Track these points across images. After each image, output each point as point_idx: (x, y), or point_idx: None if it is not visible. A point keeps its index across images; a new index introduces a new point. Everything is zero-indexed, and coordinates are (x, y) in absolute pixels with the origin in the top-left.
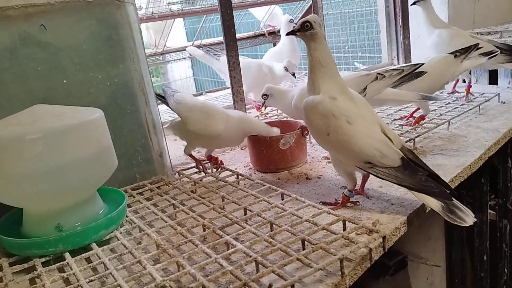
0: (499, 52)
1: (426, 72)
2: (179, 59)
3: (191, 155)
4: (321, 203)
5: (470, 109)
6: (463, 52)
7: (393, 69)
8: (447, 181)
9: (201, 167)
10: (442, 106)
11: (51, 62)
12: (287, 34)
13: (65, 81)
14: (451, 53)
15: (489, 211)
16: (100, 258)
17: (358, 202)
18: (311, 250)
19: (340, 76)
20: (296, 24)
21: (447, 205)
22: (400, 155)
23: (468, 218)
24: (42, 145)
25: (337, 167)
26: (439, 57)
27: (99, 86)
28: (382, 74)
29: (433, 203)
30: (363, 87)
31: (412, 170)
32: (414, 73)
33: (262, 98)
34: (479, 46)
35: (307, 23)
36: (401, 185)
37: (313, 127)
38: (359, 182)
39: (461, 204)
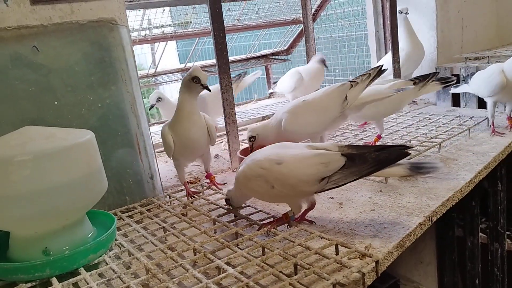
0: (455, 79)
1: (387, 69)
2: (171, 81)
3: (185, 185)
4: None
5: (460, 133)
6: (422, 79)
7: (361, 75)
8: (439, 204)
9: (189, 197)
10: (432, 130)
11: (42, 83)
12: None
13: (56, 103)
14: (412, 79)
15: (480, 234)
16: (88, 284)
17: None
18: (304, 275)
19: None
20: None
21: (412, 165)
22: (339, 152)
23: (437, 163)
24: (31, 167)
25: (288, 202)
26: (400, 83)
27: (91, 108)
28: (355, 81)
29: (400, 172)
30: (344, 96)
31: (359, 156)
32: (379, 72)
33: (250, 141)
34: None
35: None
36: (363, 176)
37: (257, 192)
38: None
39: (421, 160)
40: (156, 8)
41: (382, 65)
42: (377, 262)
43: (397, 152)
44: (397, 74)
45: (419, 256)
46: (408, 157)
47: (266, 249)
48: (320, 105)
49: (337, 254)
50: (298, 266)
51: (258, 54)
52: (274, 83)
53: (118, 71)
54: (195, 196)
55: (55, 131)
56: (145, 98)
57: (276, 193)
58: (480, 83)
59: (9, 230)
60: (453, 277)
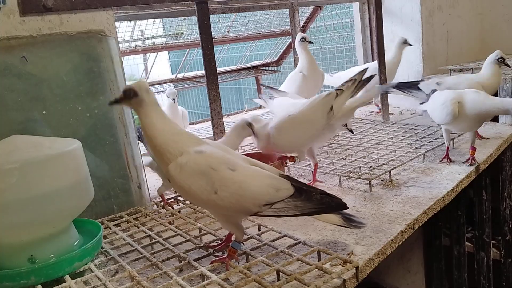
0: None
1: (375, 74)
2: (163, 91)
3: (162, 196)
4: (206, 248)
5: (444, 143)
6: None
7: (347, 81)
8: (420, 213)
9: (169, 207)
10: (417, 140)
11: (31, 93)
12: (109, 104)
13: (44, 112)
14: (336, 89)
15: (467, 243)
16: None
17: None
18: (285, 281)
19: (187, 132)
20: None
21: (345, 216)
22: (289, 182)
23: (363, 220)
24: (17, 175)
25: (223, 221)
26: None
27: (79, 118)
28: (340, 89)
29: (335, 219)
30: (329, 107)
31: (306, 192)
32: (365, 79)
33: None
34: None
35: (131, 91)
36: (304, 214)
37: (193, 193)
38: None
39: (351, 213)
40: (146, 19)
41: (367, 68)
42: (357, 268)
43: (338, 202)
44: (383, 84)
45: (407, 266)
46: (392, 167)
47: (250, 256)
48: (305, 119)
49: (319, 260)
50: (280, 273)
51: (248, 65)
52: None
53: (106, 81)
54: (171, 206)
55: (42, 140)
56: None
57: (215, 199)
58: (434, 108)
59: None
60: (440, 286)
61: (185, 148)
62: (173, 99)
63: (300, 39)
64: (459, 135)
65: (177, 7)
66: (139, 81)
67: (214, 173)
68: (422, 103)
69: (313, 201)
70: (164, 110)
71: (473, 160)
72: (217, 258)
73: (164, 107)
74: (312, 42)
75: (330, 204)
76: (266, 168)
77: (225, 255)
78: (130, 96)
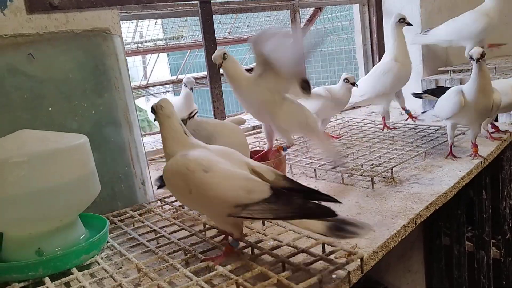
0: None
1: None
2: (163, 92)
3: None
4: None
5: (444, 141)
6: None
7: None
8: (422, 208)
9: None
10: (418, 139)
11: (37, 90)
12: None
13: (50, 109)
14: None
15: (467, 242)
16: (80, 282)
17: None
18: (291, 272)
19: (190, 138)
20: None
21: (334, 223)
22: (268, 185)
23: (362, 229)
24: (26, 168)
25: (218, 222)
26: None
27: (84, 114)
28: None
29: (318, 227)
30: None
31: (286, 196)
32: None
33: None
34: None
35: (152, 109)
36: (280, 218)
37: (176, 191)
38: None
39: (351, 218)
40: (149, 19)
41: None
42: (361, 259)
43: (325, 210)
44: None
45: (407, 265)
46: (394, 165)
47: (255, 249)
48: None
49: (323, 252)
50: (286, 264)
51: (249, 66)
52: None
53: (111, 79)
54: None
55: (49, 135)
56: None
57: (193, 200)
58: (441, 104)
59: (3, 231)
60: (440, 285)
61: (176, 152)
62: (191, 88)
63: (399, 20)
64: (459, 134)
65: (180, 7)
66: (161, 100)
67: (189, 174)
68: (424, 112)
69: (292, 205)
70: (180, 99)
71: (477, 155)
72: (214, 256)
73: (180, 96)
74: (411, 24)
75: (314, 212)
76: (263, 170)
77: (221, 253)
78: (154, 112)
